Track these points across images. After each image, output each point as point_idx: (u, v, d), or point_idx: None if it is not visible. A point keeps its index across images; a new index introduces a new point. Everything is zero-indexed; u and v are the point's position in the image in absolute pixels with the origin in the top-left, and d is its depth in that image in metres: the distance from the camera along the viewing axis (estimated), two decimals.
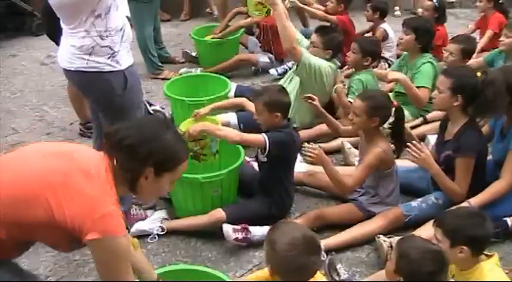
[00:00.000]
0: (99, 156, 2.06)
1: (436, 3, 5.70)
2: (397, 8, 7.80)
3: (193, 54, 5.92)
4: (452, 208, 2.97)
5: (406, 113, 4.33)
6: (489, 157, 3.56)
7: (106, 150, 2.06)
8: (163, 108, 4.78)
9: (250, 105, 3.77)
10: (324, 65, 4.26)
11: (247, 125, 4.01)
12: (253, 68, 5.71)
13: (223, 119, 4.07)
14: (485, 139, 3.46)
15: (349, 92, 4.36)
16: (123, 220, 2.00)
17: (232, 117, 4.19)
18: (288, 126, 3.40)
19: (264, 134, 3.28)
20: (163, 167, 2.05)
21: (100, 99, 3.05)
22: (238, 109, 4.21)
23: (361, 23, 6.26)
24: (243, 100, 4.15)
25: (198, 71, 5.51)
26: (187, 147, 2.19)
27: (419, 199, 3.45)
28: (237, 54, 5.73)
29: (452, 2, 8.22)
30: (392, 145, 3.38)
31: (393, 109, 3.33)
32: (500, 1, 6.11)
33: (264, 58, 5.66)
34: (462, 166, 3.27)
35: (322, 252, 2.65)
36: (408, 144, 3.26)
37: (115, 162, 2.03)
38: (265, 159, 3.36)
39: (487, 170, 3.46)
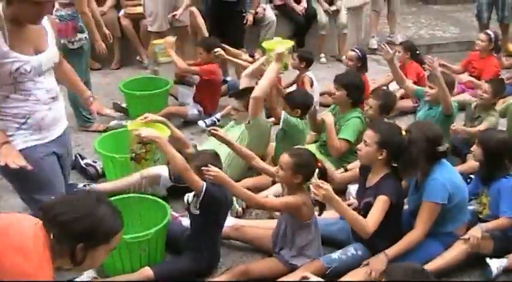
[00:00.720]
0: (37, 229, 2.08)
1: (359, 54, 6.03)
2: (322, 55, 8.10)
3: (123, 105, 5.95)
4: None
5: (328, 163, 4.57)
6: (406, 207, 3.79)
7: (43, 224, 2.10)
8: (95, 162, 4.79)
9: None
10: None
11: (177, 179, 4.13)
12: (182, 119, 5.81)
13: (154, 171, 4.19)
14: (402, 189, 3.65)
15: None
16: None
17: (163, 169, 4.28)
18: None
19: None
20: (99, 241, 2.12)
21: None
22: None
23: None
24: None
25: (128, 123, 5.56)
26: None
27: (339, 251, 3.61)
28: (167, 106, 5.81)
29: (375, 49, 8.62)
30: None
31: (317, 169, 3.45)
32: (417, 52, 6.50)
33: (193, 110, 5.79)
34: (377, 204, 3.40)
35: None
36: (309, 184, 3.35)
37: (51, 236, 2.07)
38: (197, 212, 3.44)
39: (403, 219, 3.67)
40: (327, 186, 3.16)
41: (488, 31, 6.71)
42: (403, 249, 3.50)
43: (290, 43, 4.88)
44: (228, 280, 3.40)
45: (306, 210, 3.43)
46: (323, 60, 8.08)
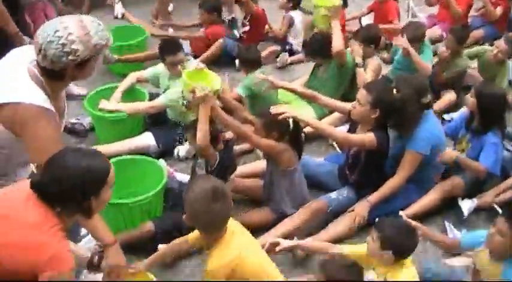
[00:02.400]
0: (36, 204, 2.23)
1: None
2: None
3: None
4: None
5: (312, 110, 4.79)
6: None
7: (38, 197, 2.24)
8: (78, 119, 4.88)
9: None
10: None
11: (165, 144, 4.32)
12: None
13: (140, 141, 4.39)
14: (388, 140, 3.85)
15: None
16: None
17: (150, 138, 4.45)
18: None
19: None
20: (97, 188, 2.29)
21: None
22: None
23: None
24: None
25: (115, 56, 5.60)
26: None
27: (335, 192, 3.92)
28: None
29: None
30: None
31: (291, 121, 3.65)
32: None
33: None
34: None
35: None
36: None
37: (57, 209, 2.25)
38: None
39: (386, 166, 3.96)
40: None
41: None
42: (385, 195, 3.81)
43: (336, 1, 4.90)
44: None
45: (288, 157, 3.68)
46: None
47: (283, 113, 3.51)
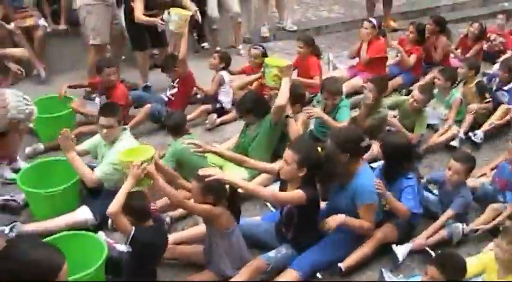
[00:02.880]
0: None
1: (263, 51, 6.47)
2: (218, 48, 8.27)
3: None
4: None
5: (244, 171, 4.90)
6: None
7: None
8: (12, 196, 4.78)
9: None
10: None
11: (102, 215, 4.31)
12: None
13: (77, 216, 4.39)
14: (318, 195, 4.00)
15: None
16: None
17: (86, 212, 4.43)
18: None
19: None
20: None
21: None
22: None
23: None
24: None
25: (41, 147, 5.60)
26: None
27: (273, 251, 4.00)
28: (77, 126, 5.82)
29: (267, 37, 8.95)
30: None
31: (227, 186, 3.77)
32: (315, 45, 6.86)
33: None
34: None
35: None
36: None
37: None
38: (128, 248, 3.66)
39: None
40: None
41: (371, 19, 7.20)
42: (356, 224, 3.98)
43: (287, 62, 5.14)
44: None
45: (225, 219, 3.78)
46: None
47: (210, 176, 3.59)
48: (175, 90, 6.30)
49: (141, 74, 7.00)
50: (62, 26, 7.34)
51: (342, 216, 3.90)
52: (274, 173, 4.17)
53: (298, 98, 5.29)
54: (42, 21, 7.18)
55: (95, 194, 4.61)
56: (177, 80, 6.28)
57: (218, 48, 8.16)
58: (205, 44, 8.28)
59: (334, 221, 3.88)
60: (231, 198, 3.83)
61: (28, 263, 2.17)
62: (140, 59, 6.89)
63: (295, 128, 5.02)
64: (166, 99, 6.35)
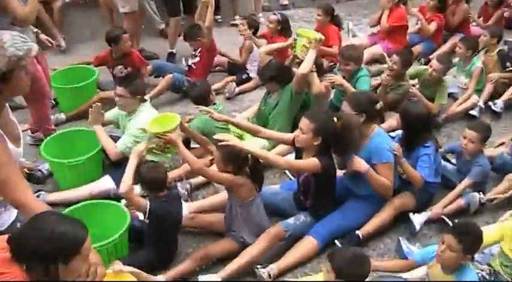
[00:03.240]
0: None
1: (279, 17, 6.38)
2: (237, 16, 8.30)
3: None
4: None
5: (264, 141, 4.95)
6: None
7: (12, 256, 2.26)
8: (37, 165, 4.87)
9: None
10: None
11: None
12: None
13: (100, 185, 4.49)
14: (334, 163, 4.05)
15: None
16: None
17: (109, 182, 4.53)
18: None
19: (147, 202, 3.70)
20: (68, 256, 2.26)
21: None
22: None
23: None
24: None
25: (62, 116, 5.70)
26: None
27: (292, 218, 4.07)
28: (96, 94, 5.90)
29: (286, 4, 8.90)
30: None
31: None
32: (335, 14, 6.82)
33: None
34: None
35: None
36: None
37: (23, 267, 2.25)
38: (147, 221, 3.77)
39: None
40: None
41: None
42: (378, 178, 4.00)
43: (318, 35, 5.06)
44: (190, 267, 3.81)
45: (246, 189, 3.84)
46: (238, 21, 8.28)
47: (224, 141, 3.65)
48: (197, 59, 6.28)
49: (170, 41, 7.04)
50: None
51: (366, 165, 3.95)
52: (290, 143, 4.19)
53: (316, 68, 5.28)
54: None
55: (117, 164, 4.69)
56: (200, 49, 6.27)
57: (237, 17, 8.19)
58: (218, 17, 8.19)
59: (361, 164, 3.93)
60: (254, 166, 3.87)
61: (50, 237, 2.23)
62: (173, 25, 6.93)
63: (318, 81, 5.00)
64: (186, 68, 6.38)
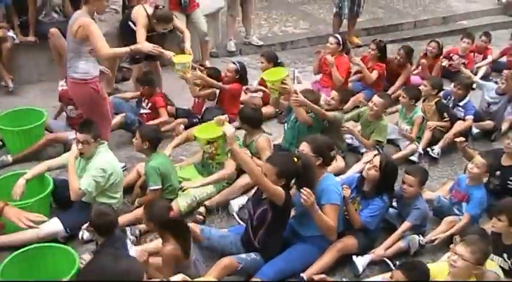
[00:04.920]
0: None
1: (238, 67, 6.62)
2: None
3: None
4: None
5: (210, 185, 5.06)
6: None
7: None
8: None
9: None
10: None
11: (73, 228, 4.49)
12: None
13: (48, 228, 4.42)
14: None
15: None
16: None
17: (56, 224, 4.51)
18: None
19: None
20: None
21: None
22: None
23: None
24: None
25: (9, 158, 5.65)
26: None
27: (244, 254, 4.17)
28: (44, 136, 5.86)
29: (233, 51, 9.11)
30: None
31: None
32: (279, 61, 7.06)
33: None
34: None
35: None
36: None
37: None
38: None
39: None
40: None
41: (336, 35, 7.45)
42: (322, 217, 4.12)
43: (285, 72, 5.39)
44: None
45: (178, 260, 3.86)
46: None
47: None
48: (148, 111, 6.40)
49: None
50: (31, 38, 7.35)
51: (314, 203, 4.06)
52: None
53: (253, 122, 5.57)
54: (10, 33, 7.20)
55: (65, 207, 4.70)
56: (149, 103, 6.39)
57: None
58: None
59: (310, 198, 4.00)
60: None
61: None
62: (135, 71, 7.08)
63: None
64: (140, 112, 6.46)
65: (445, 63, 8.11)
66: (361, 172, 4.78)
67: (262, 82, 6.85)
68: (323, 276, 4.00)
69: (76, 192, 4.53)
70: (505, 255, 4.19)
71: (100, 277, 2.15)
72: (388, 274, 4.06)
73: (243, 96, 6.96)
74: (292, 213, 4.37)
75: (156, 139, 4.95)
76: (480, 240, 3.73)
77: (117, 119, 6.12)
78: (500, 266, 4.09)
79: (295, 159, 4.08)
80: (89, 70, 5.03)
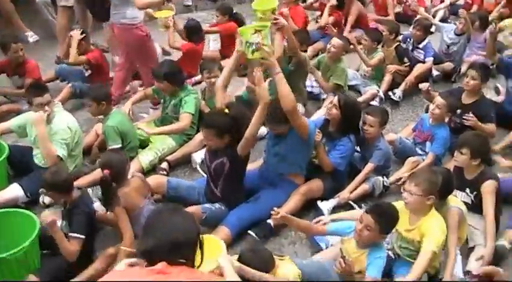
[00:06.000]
0: None
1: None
2: None
3: None
4: None
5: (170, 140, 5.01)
6: None
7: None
8: None
9: None
10: None
11: (33, 193, 4.40)
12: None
13: (8, 194, 4.36)
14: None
15: None
16: None
17: (17, 189, 4.41)
18: None
19: None
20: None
21: None
22: None
23: None
24: None
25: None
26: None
27: (208, 204, 4.20)
28: None
29: (189, 5, 8.94)
30: None
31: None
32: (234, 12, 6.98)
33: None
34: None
35: None
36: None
37: None
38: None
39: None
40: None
41: None
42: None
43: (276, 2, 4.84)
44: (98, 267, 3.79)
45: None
46: None
47: None
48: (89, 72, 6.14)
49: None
50: None
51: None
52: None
53: None
54: None
55: (24, 173, 4.60)
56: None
57: None
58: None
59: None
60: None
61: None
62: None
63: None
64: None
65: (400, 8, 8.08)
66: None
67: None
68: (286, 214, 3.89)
69: (53, 157, 4.38)
70: (467, 190, 4.23)
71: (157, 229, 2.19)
72: (355, 211, 4.11)
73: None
74: (275, 150, 4.36)
75: (107, 95, 4.80)
76: (424, 171, 3.77)
77: (64, 92, 5.88)
78: (463, 201, 4.13)
79: (226, 110, 4.09)
80: (136, 15, 5.28)
